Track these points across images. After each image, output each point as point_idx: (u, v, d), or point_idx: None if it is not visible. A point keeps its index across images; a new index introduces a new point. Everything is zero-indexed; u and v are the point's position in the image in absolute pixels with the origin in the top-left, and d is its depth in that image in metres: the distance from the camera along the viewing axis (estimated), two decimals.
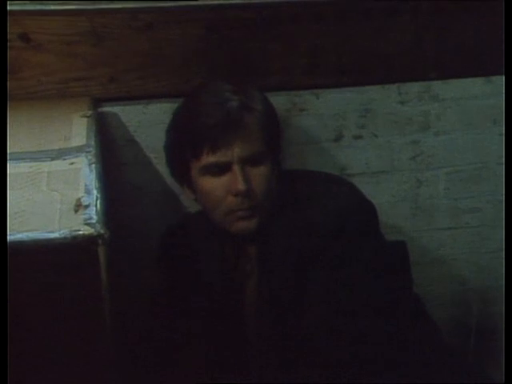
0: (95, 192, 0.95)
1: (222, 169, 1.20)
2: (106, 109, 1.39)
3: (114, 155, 1.40)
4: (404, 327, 1.26)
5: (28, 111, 1.29)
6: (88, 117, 1.23)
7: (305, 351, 1.20)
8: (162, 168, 1.40)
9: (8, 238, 0.85)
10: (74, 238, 0.84)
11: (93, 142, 1.13)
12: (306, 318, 1.20)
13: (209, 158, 1.19)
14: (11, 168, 1.04)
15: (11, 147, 1.12)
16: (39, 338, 0.89)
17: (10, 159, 1.07)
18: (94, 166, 1.03)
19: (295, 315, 1.22)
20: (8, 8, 1.25)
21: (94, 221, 0.87)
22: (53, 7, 1.30)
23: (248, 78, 1.42)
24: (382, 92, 1.49)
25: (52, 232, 0.86)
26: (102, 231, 0.85)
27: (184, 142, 1.22)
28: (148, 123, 1.41)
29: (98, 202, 0.92)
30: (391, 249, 1.54)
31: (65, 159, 1.06)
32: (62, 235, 0.85)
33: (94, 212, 0.89)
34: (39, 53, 1.32)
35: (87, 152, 1.08)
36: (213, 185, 1.20)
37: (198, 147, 1.20)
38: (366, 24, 1.44)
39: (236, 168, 1.19)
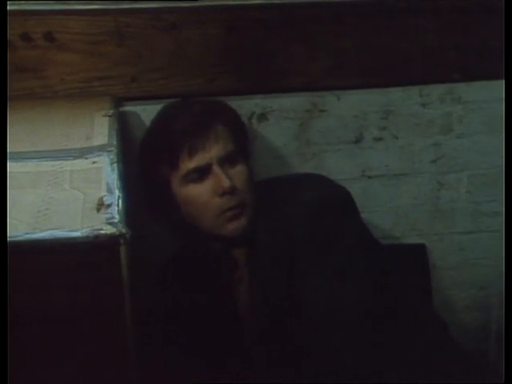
0: (117, 191, 0.95)
1: (202, 173, 1.21)
2: (128, 108, 1.40)
3: (134, 154, 1.40)
4: (413, 323, 1.26)
5: (51, 110, 1.29)
6: (110, 116, 1.24)
7: (303, 349, 1.21)
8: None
9: (31, 236, 0.86)
10: (96, 237, 0.85)
11: (114, 142, 1.13)
12: (302, 313, 1.22)
13: (188, 164, 1.21)
14: (34, 166, 1.05)
15: (34, 145, 1.13)
16: (60, 337, 0.90)
17: (32, 157, 1.08)
18: (115, 165, 1.04)
19: (290, 314, 1.23)
20: (33, 8, 1.27)
21: (115, 220, 0.87)
22: (77, 7, 1.31)
23: (269, 79, 1.43)
24: (403, 94, 1.49)
25: (74, 231, 0.86)
26: (123, 231, 0.85)
27: (160, 157, 1.24)
28: None
29: (120, 201, 0.93)
30: (410, 252, 1.54)
31: (87, 158, 1.07)
32: (85, 234, 0.85)
33: (115, 211, 0.89)
34: (63, 52, 1.33)
35: (109, 151, 1.09)
36: (197, 191, 1.22)
37: (174, 155, 1.21)
38: (388, 24, 1.44)
39: (216, 168, 1.21)
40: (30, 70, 1.32)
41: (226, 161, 1.22)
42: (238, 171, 1.23)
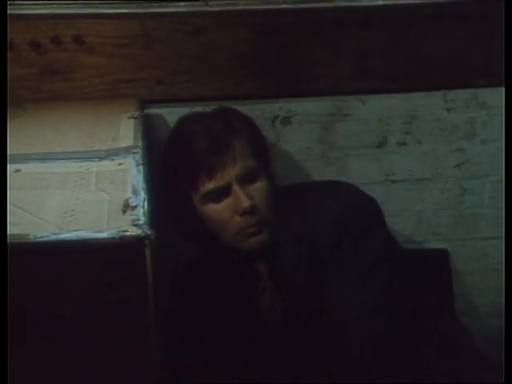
0: (142, 193, 0.96)
1: (222, 193, 1.22)
2: (153, 110, 1.42)
3: (158, 156, 1.42)
4: (435, 328, 1.26)
5: (77, 111, 1.31)
6: (135, 118, 1.26)
7: (325, 358, 1.21)
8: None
9: (58, 236, 0.87)
10: (122, 238, 0.85)
11: (140, 144, 1.14)
12: (325, 323, 1.22)
13: (207, 185, 1.21)
14: (62, 167, 1.07)
15: (62, 146, 1.15)
16: (83, 336, 0.91)
17: (60, 158, 1.10)
18: (141, 167, 1.05)
19: (312, 323, 1.23)
20: (64, 11, 1.29)
21: (141, 222, 0.88)
22: (106, 10, 1.33)
23: (293, 82, 1.44)
24: (427, 99, 1.49)
25: (100, 232, 0.87)
26: (149, 232, 0.86)
27: (179, 176, 1.24)
28: None
29: (146, 203, 0.93)
30: (432, 256, 1.54)
31: (113, 160, 1.08)
32: (110, 235, 0.86)
33: (141, 213, 0.90)
34: (91, 55, 1.35)
35: (135, 153, 1.10)
36: (217, 210, 1.22)
37: (193, 178, 1.22)
38: (414, 29, 1.44)
39: (236, 188, 1.21)
40: (59, 72, 1.35)
41: (246, 178, 1.22)
42: (258, 187, 1.23)
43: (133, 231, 0.86)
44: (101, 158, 1.09)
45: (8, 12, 1.25)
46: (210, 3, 1.37)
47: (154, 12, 1.35)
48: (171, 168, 1.27)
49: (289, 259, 1.24)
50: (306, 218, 1.24)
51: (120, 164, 1.06)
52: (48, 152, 1.12)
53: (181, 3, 1.36)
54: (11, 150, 1.13)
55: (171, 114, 1.42)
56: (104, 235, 0.86)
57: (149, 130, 1.34)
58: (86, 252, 0.87)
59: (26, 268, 0.87)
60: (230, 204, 1.21)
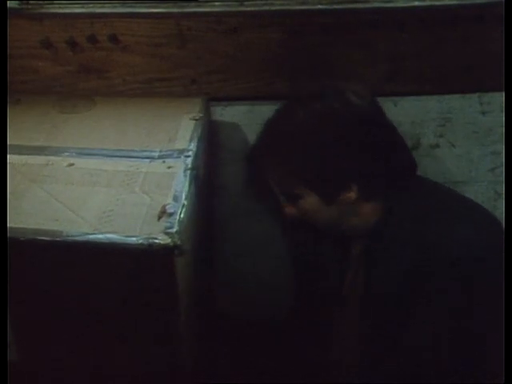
0: (184, 200, 0.94)
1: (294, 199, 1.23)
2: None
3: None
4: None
5: (139, 109, 1.30)
6: (196, 120, 1.22)
7: (402, 358, 1.19)
8: (238, 167, 1.43)
9: (88, 237, 0.88)
10: (151, 245, 0.85)
11: (194, 147, 1.11)
12: (408, 330, 1.18)
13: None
14: (112, 165, 1.05)
15: (118, 144, 1.13)
16: (108, 337, 0.92)
17: (113, 156, 1.08)
18: (189, 172, 1.03)
19: (397, 324, 1.19)
20: (99, 11, 1.30)
21: (173, 230, 0.87)
22: (142, 10, 1.33)
23: (327, 83, 1.43)
24: (462, 101, 1.46)
25: (131, 237, 0.87)
26: (179, 242, 0.84)
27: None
28: None
29: (184, 209, 0.92)
30: None
31: (164, 162, 1.06)
32: (139, 241, 0.86)
33: (176, 221, 0.89)
34: (126, 53, 1.35)
35: (186, 156, 1.08)
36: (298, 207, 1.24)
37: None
38: (451, 31, 1.41)
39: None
40: (94, 70, 1.36)
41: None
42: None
43: (162, 239, 0.85)
44: (152, 159, 1.08)
45: (46, 11, 1.28)
46: (245, 3, 1.36)
47: (189, 12, 1.34)
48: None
49: (389, 255, 1.17)
50: (431, 232, 1.16)
51: (169, 167, 1.05)
52: (103, 148, 1.11)
53: (216, 3, 1.36)
54: (70, 143, 1.12)
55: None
56: (133, 240, 0.86)
57: (212, 132, 1.33)
58: (114, 255, 0.88)
59: (56, 264, 0.88)
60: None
